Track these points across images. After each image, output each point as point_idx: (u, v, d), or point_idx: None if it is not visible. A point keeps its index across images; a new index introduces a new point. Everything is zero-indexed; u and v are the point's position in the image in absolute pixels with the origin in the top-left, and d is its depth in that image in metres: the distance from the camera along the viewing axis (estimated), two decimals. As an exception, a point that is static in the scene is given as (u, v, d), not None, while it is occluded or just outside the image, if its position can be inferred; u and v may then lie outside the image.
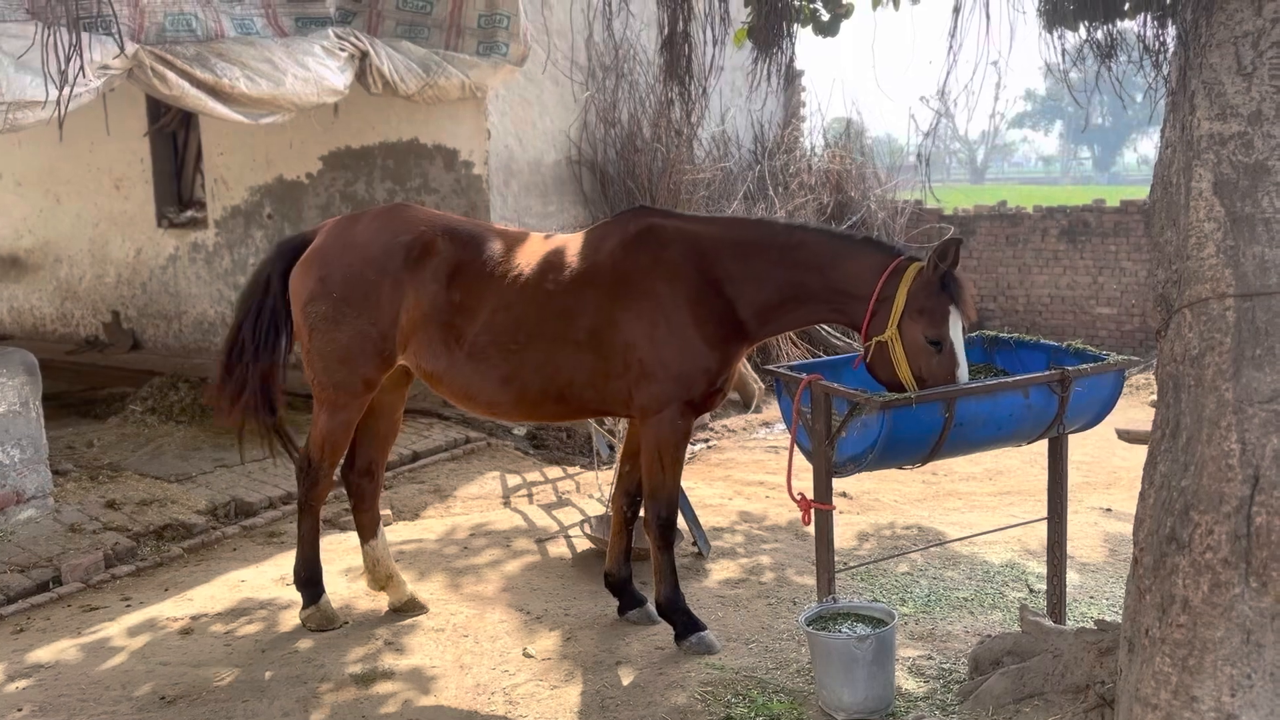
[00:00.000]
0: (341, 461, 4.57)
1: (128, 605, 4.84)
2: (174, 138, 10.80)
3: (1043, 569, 5.44)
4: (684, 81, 4.37)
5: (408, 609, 4.66)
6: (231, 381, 4.44)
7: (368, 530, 4.64)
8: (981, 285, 13.66)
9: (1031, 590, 5.08)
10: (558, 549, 5.52)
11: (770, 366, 4.16)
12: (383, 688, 4.00)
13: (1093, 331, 13.15)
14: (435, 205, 9.02)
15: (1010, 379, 3.74)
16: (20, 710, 3.87)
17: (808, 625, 3.72)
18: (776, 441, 8.90)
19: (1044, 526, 6.23)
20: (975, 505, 6.60)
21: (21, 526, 5.52)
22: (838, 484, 4.02)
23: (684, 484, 6.97)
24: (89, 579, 5.10)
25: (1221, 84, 2.64)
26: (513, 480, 6.89)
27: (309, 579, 4.52)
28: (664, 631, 4.39)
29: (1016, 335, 4.45)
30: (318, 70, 7.00)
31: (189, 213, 10.73)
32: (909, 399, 3.54)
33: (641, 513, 5.30)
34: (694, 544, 5.48)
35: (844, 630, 3.73)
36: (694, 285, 4.04)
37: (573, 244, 4.25)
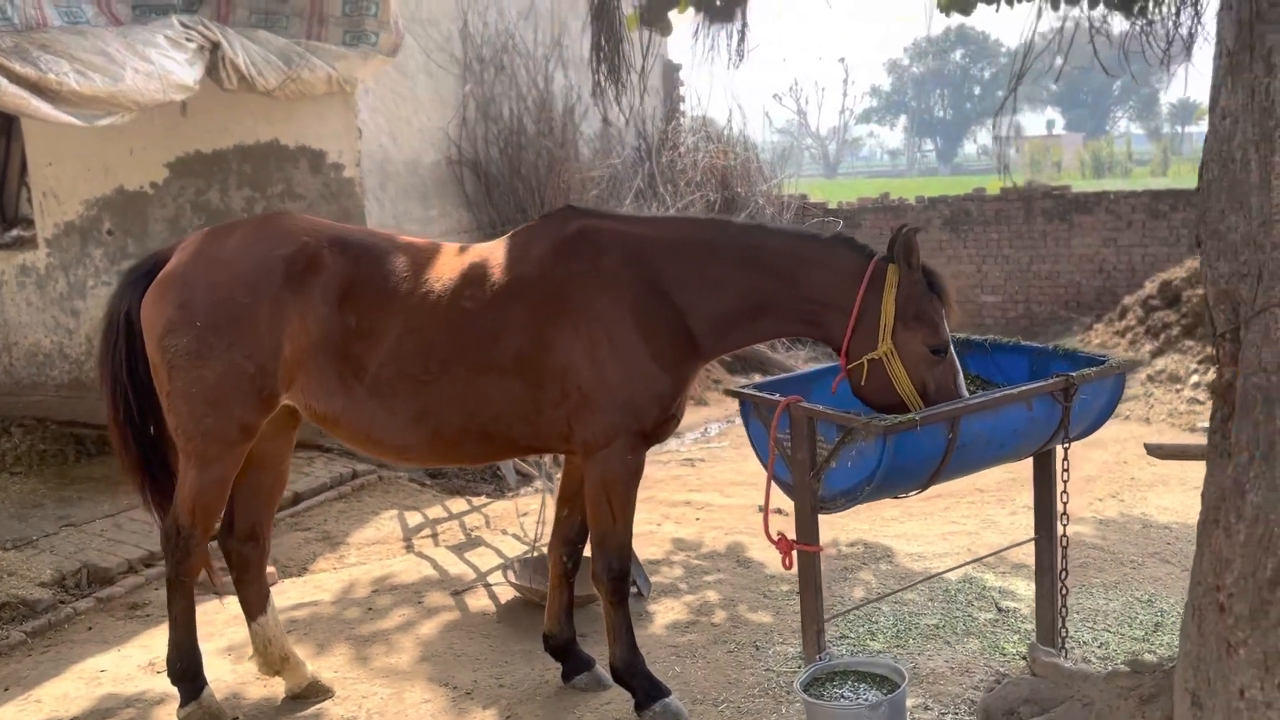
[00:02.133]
0: (218, 525, 3.79)
1: (-45, 715, 3.93)
2: (-9, 146, 9.52)
3: (1001, 582, 5.08)
4: (614, 66, 3.77)
5: (309, 694, 3.91)
6: (130, 454, 3.68)
7: (255, 606, 3.86)
8: (869, 278, 13.52)
9: (1000, 609, 4.69)
10: (478, 601, 4.83)
11: (737, 388, 3.60)
12: (290, 805, 3.27)
13: (979, 319, 13.16)
14: (301, 212, 8.14)
15: (1015, 390, 3.29)
16: None
17: (805, 692, 3.18)
18: (690, 454, 8.39)
19: (991, 535, 5.97)
20: (911, 512, 6.22)
21: None
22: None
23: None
24: (-99, 685, 4.14)
25: (1312, 38, 2.21)
26: (413, 519, 6.15)
27: (186, 670, 3.72)
28: (619, 698, 3.79)
29: (992, 338, 4.02)
30: (162, 63, 6.10)
31: (14, 231, 9.49)
32: (913, 421, 3.04)
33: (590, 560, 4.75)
34: (632, 582, 4.88)
35: (845, 694, 3.20)
36: (639, 296, 3.45)
37: (493, 254, 3.60)
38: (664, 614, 4.69)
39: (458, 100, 9.00)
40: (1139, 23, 6.43)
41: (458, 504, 6.49)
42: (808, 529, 3.34)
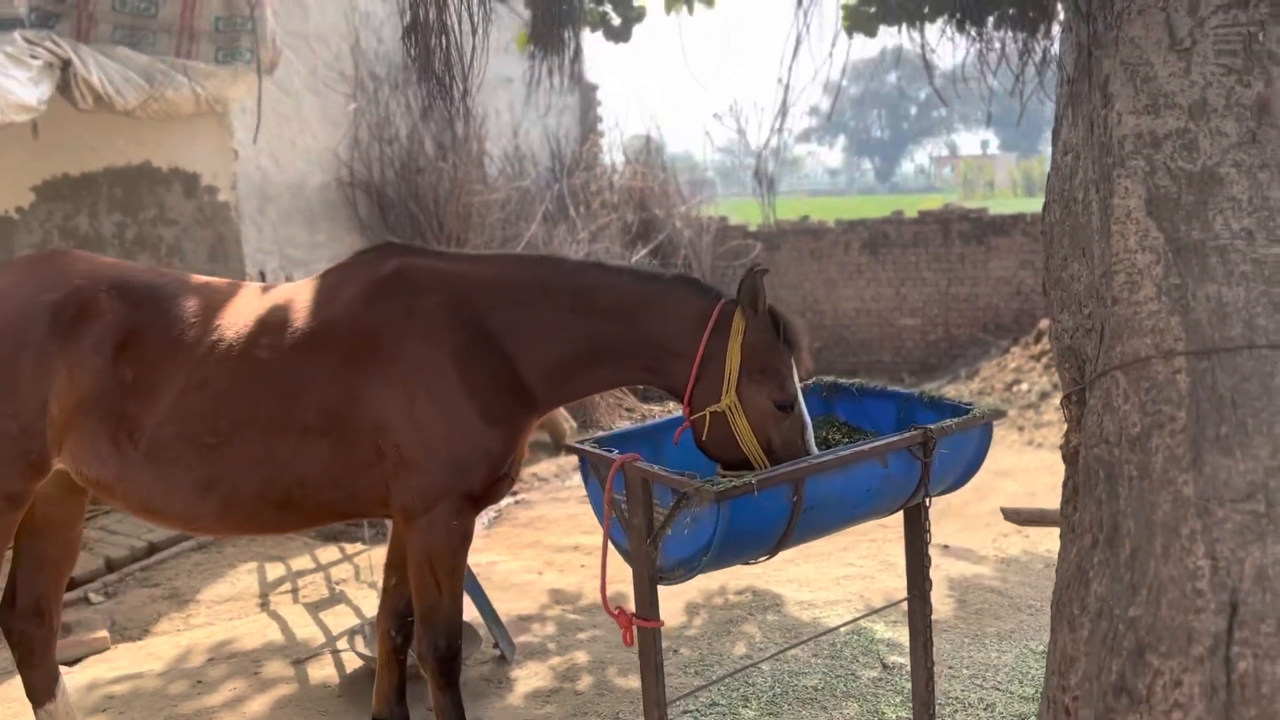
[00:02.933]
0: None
1: None
2: None
3: (890, 633, 4.79)
4: (442, 79, 3.43)
5: (107, 789, 3.48)
6: None
7: (41, 691, 3.43)
8: (789, 300, 13.32)
9: (885, 667, 4.40)
10: (322, 670, 4.42)
11: (574, 442, 3.26)
12: None
13: (899, 343, 13.03)
14: (176, 239, 7.69)
15: (865, 446, 2.99)
16: None
17: (635, 789, 2.84)
18: (589, 489, 8.05)
19: (888, 579, 5.69)
20: (808, 554, 5.93)
21: None
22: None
23: (487, 558, 5.99)
24: None
25: (1150, 64, 1.95)
26: (275, 571, 5.71)
27: (-46, 770, 3.28)
28: (454, 786, 3.41)
29: (859, 382, 3.74)
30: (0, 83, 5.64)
31: None
32: (749, 485, 2.72)
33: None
34: (495, 645, 4.52)
35: (682, 789, 2.86)
36: (462, 342, 3.11)
37: (299, 296, 3.22)
38: (526, 680, 4.33)
39: (349, 119, 8.61)
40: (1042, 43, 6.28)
41: (329, 552, 6.06)
42: (646, 602, 3.01)
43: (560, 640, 4.73)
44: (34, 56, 5.89)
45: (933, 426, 3.10)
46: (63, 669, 4.50)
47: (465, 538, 3.19)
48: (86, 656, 4.67)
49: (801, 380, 3.20)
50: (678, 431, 3.22)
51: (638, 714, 3.99)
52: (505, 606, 5.06)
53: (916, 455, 3.10)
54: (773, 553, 3.01)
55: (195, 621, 5.11)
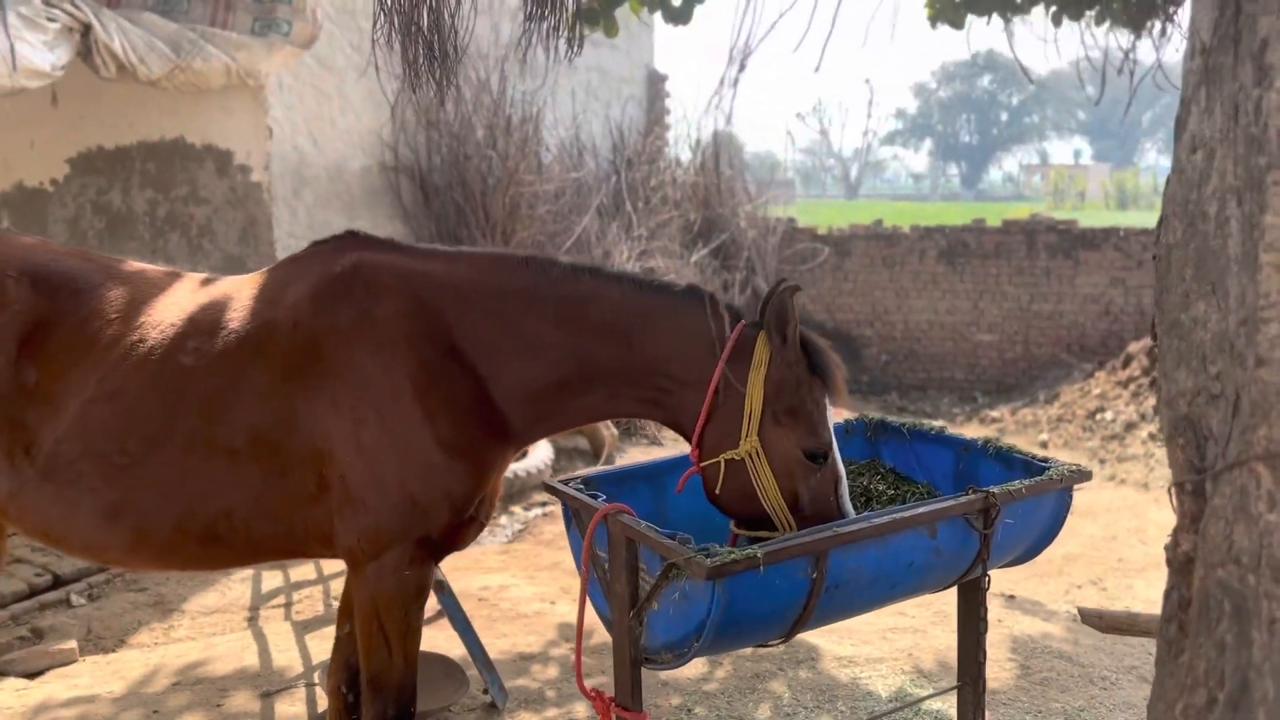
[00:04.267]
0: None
1: None
2: (-107, 133, 8.76)
3: (940, 704, 4.17)
4: (430, 42, 2.93)
5: (19, 842, 3.06)
6: None
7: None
8: (857, 309, 12.65)
9: (929, 745, 3.79)
10: (291, 706, 3.97)
11: (554, 481, 2.73)
12: None
13: (973, 360, 12.25)
14: (207, 219, 7.35)
15: (908, 511, 2.40)
16: None
17: None
18: (625, 505, 7.52)
19: (942, 634, 5.05)
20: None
21: None
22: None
23: (499, 580, 5.51)
24: None
25: (1334, 25, 1.33)
26: (272, 580, 5.29)
27: None
28: None
29: (911, 423, 3.14)
30: (10, 45, 5.30)
31: (-89, 225, 8.71)
32: (753, 560, 2.15)
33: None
34: (485, 690, 4.02)
35: None
36: (423, 358, 2.60)
37: (240, 292, 2.74)
38: (516, 733, 3.82)
39: (396, 101, 8.20)
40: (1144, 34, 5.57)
41: (336, 563, 5.63)
42: (628, 688, 2.46)
43: (562, 687, 4.21)
44: (51, 19, 5.56)
45: (996, 490, 2.50)
46: (21, 682, 4.13)
47: (420, 591, 2.68)
48: (50, 669, 4.29)
49: (840, 418, 2.63)
50: (681, 479, 2.67)
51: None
52: (508, 642, 4.57)
53: (974, 525, 2.50)
54: (787, 637, 2.44)
55: (176, 634, 4.72)
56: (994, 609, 5.42)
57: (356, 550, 2.62)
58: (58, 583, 5.07)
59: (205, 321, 2.63)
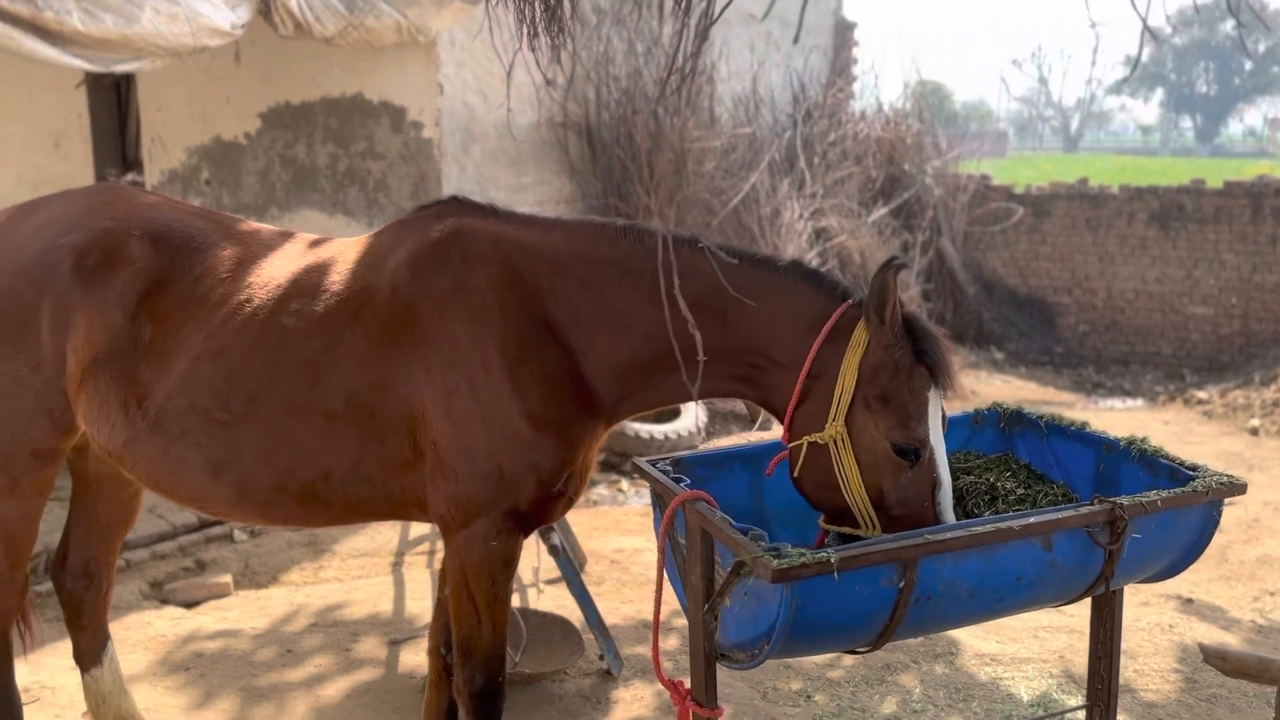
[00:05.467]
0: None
1: None
2: (117, 88, 9.51)
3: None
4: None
5: (151, 765, 3.27)
6: None
7: (88, 656, 3.24)
8: (1055, 275, 11.82)
9: (1069, 759, 3.49)
10: (415, 656, 4.07)
11: (641, 460, 2.62)
12: None
13: (1183, 334, 11.24)
14: (383, 174, 7.60)
15: (1019, 522, 2.15)
16: None
17: None
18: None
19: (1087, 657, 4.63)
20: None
21: None
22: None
23: (633, 544, 5.47)
24: None
25: None
26: (420, 529, 5.46)
27: (-3, 725, 3.15)
28: (493, 836, 2.92)
29: (1051, 416, 2.83)
30: (192, 5, 5.58)
31: (130, 176, 9.45)
32: (825, 565, 1.98)
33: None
34: (601, 656, 3.99)
35: None
36: (514, 329, 2.54)
37: (345, 255, 2.75)
38: (628, 704, 3.77)
39: (565, 56, 8.18)
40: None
41: (480, 513, 5.75)
42: (702, 682, 2.34)
43: (680, 660, 4.13)
44: (232, -20, 5.81)
45: (1125, 502, 2.21)
46: (179, 611, 4.43)
47: (508, 562, 2.64)
48: (206, 601, 4.58)
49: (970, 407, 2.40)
50: (772, 462, 2.50)
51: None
52: (633, 608, 4.53)
53: (1097, 539, 2.22)
54: (875, 646, 2.25)
55: (324, 574, 4.94)
56: (1167, 612, 4.95)
57: (447, 518, 2.61)
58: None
59: (309, 284, 2.66)
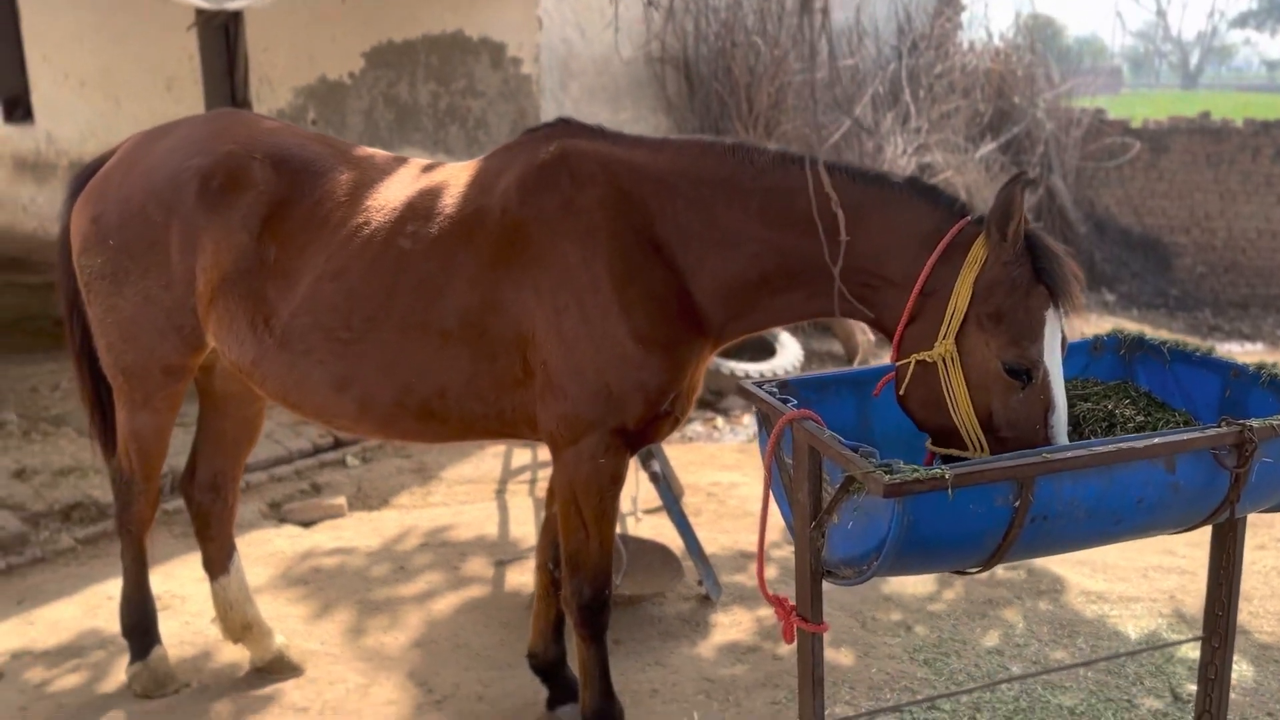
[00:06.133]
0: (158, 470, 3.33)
1: (-44, 627, 3.83)
2: (226, 31, 9.75)
3: (1196, 652, 3.74)
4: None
5: (274, 669, 3.45)
6: (84, 386, 3.30)
7: (216, 564, 3.42)
8: (1172, 214, 11.32)
9: (1177, 698, 3.42)
10: (521, 575, 4.19)
11: (747, 382, 2.62)
12: (167, 816, 2.82)
13: (1309, 282, 10.67)
14: (482, 111, 7.65)
15: (1142, 442, 2.09)
16: None
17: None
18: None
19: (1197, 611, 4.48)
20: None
21: (-102, 501, 4.61)
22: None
23: (729, 478, 5.50)
24: (-64, 581, 4.13)
25: None
26: (521, 458, 5.58)
27: (134, 626, 3.36)
28: (599, 746, 3.02)
29: (1174, 342, 2.73)
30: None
31: (241, 116, 9.73)
32: (940, 480, 1.96)
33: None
34: (700, 582, 4.05)
35: (817, 843, 2.25)
36: (622, 249, 2.55)
37: (457, 179, 2.79)
38: (725, 629, 3.83)
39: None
40: None
41: (580, 445, 5.84)
42: (808, 599, 2.36)
43: (778, 588, 4.15)
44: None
45: (1255, 424, 2.13)
46: (296, 529, 4.63)
47: (615, 478, 2.69)
48: (321, 520, 4.78)
49: (1067, 335, 2.33)
50: (880, 382, 2.48)
51: (835, 700, 3.37)
52: (730, 539, 4.57)
53: (1223, 462, 2.15)
54: (986, 566, 2.23)
55: (431, 499, 5.10)
56: (1286, 550, 4.78)
57: (556, 435, 2.66)
58: (337, 444, 5.60)
59: (423, 207, 2.71)
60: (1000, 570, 4.37)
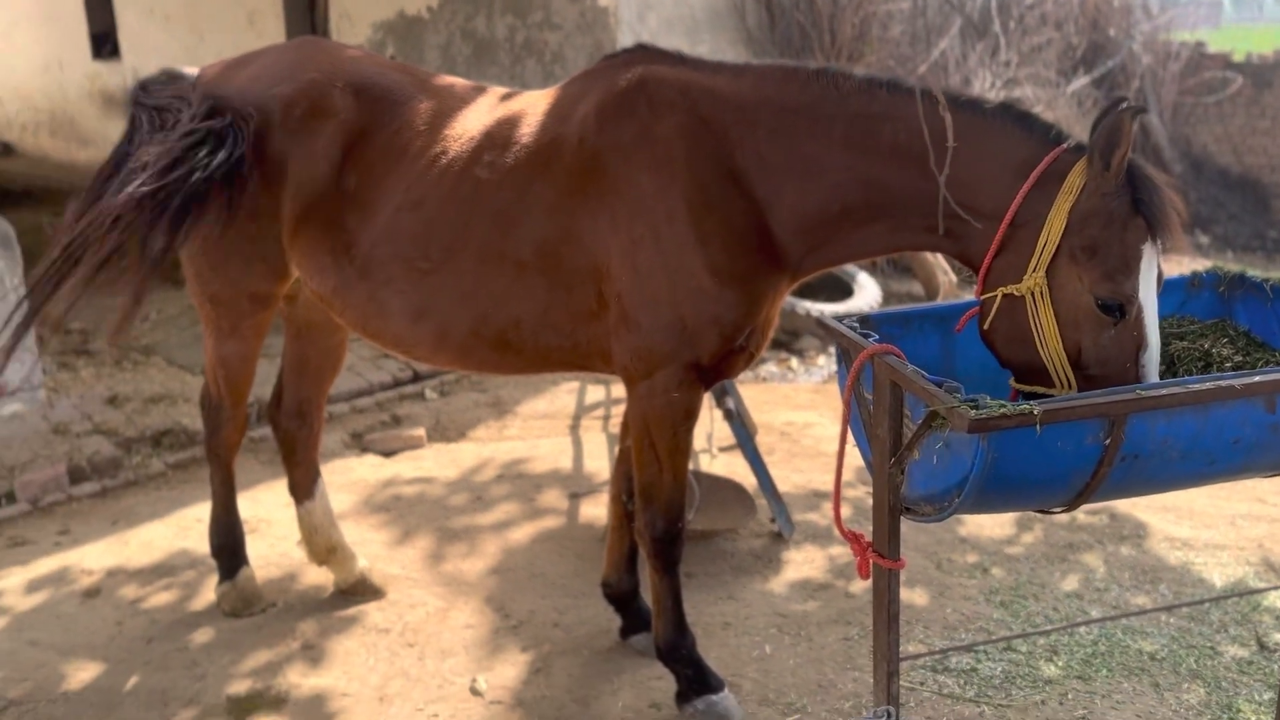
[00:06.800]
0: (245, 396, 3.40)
1: (57, 544, 4.01)
2: (306, -35, 9.78)
3: (1284, 601, 3.64)
4: None
5: (357, 592, 3.55)
6: None
7: (302, 489, 3.51)
8: (1274, 152, 10.79)
9: (1263, 647, 3.34)
10: (594, 508, 4.23)
11: (824, 314, 2.57)
12: (256, 727, 2.93)
13: None
14: (559, 45, 7.58)
15: (1241, 380, 2.01)
16: None
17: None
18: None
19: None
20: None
21: (2, 424, 4.82)
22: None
23: (804, 418, 5.45)
24: (39, 500, 4.32)
25: None
26: (595, 394, 5.61)
27: (222, 546, 3.48)
28: (670, 673, 3.06)
29: (1278, 279, 2.61)
30: None
31: (320, 53, 9.79)
32: (1028, 416, 1.91)
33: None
34: (773, 520, 4.04)
35: (888, 776, 2.25)
36: (700, 179, 2.51)
37: (535, 107, 2.77)
38: (798, 566, 3.83)
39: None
40: None
41: (653, 382, 5.85)
42: (885, 535, 2.33)
43: (851, 527, 4.12)
44: None
45: (1366, 363, 2.03)
46: (378, 458, 4.74)
47: (688, 412, 2.68)
48: (402, 451, 4.87)
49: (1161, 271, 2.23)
50: (964, 317, 2.42)
51: (909, 639, 3.36)
52: (804, 478, 4.55)
53: (1329, 403, 2.05)
54: (1071, 506, 2.18)
55: (507, 433, 5.16)
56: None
57: (630, 368, 2.66)
58: (416, 378, 5.69)
59: (500, 136, 2.70)
60: (1081, 514, 4.28)
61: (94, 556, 3.87)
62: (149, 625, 3.42)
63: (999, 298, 2.22)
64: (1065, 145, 2.24)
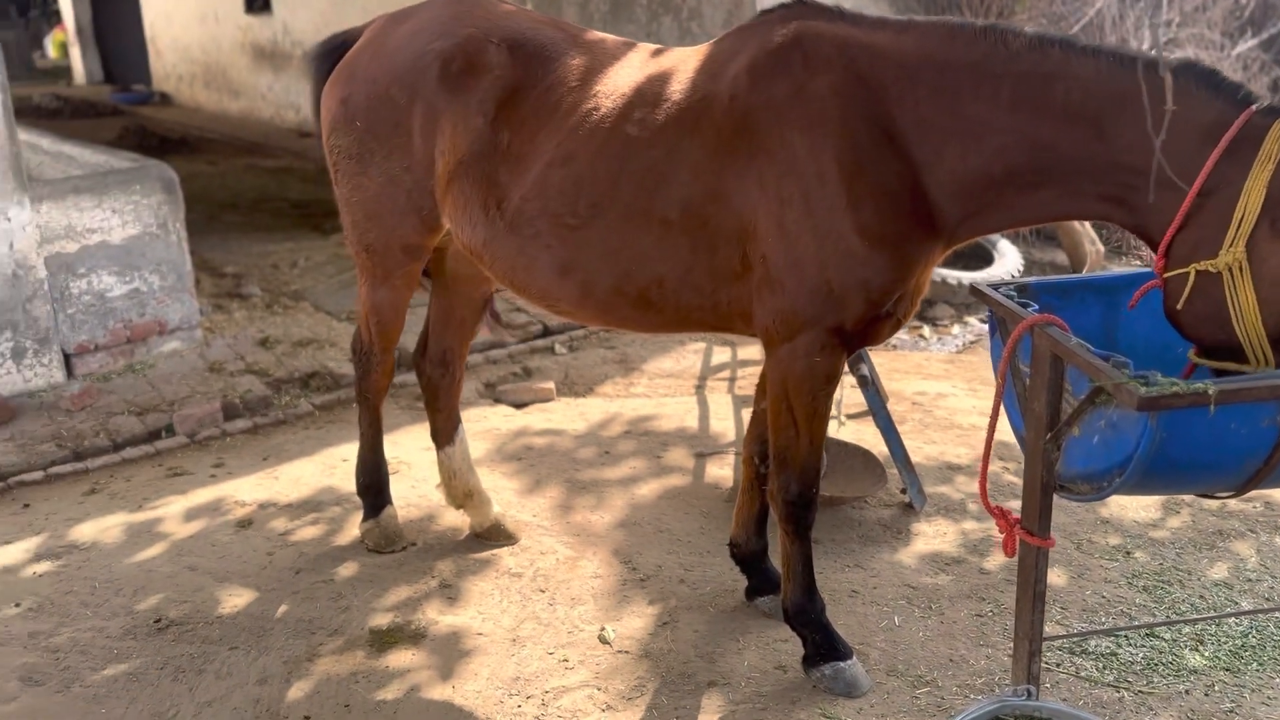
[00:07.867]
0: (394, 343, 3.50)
1: (213, 475, 4.24)
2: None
3: None
4: None
5: (491, 536, 3.65)
6: None
7: (443, 435, 3.61)
8: None
9: None
10: (719, 469, 4.24)
11: (983, 285, 2.49)
12: (396, 659, 3.06)
13: None
14: (696, 1, 7.49)
15: None
16: (17, 606, 3.36)
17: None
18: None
19: None
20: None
21: (163, 360, 5.11)
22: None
23: (936, 388, 5.33)
24: (195, 434, 4.57)
25: None
26: (720, 355, 5.59)
27: (368, 485, 3.62)
28: (796, 636, 3.06)
29: None
30: None
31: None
32: (1203, 395, 1.82)
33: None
34: (903, 490, 3.98)
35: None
36: (853, 139, 2.45)
37: (686, 64, 2.75)
38: (928, 539, 3.76)
39: None
40: None
41: (782, 346, 5.80)
42: (1035, 512, 2.27)
43: (997, 500, 4.03)
44: None
45: None
46: (509, 409, 4.84)
47: (829, 376, 2.65)
48: (532, 403, 4.97)
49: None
50: (1138, 292, 2.31)
51: (1049, 620, 3.25)
52: (936, 449, 4.45)
53: None
54: (1239, 492, 2.09)
55: (634, 390, 5.20)
56: None
57: (771, 330, 2.64)
58: (546, 333, 5.77)
59: (651, 93, 2.69)
60: (1233, 501, 4.08)
61: (246, 489, 4.08)
62: (297, 557, 3.60)
63: (1192, 275, 2.10)
64: (1255, 106, 2.11)
